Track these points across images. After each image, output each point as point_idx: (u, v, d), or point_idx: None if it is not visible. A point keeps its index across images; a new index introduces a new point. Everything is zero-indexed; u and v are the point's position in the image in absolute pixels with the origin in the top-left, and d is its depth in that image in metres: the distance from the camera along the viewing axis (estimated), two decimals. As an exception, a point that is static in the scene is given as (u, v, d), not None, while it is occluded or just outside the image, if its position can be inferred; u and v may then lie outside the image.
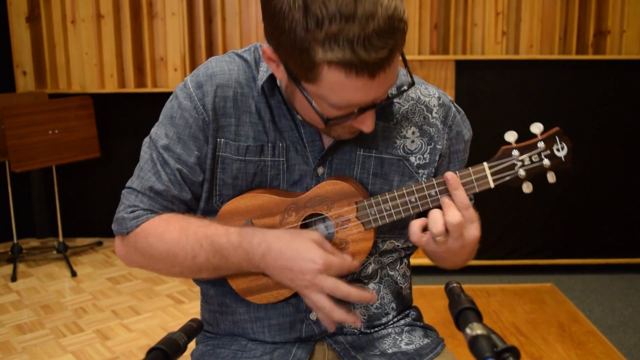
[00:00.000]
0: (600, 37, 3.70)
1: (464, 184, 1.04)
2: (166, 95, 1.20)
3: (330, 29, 0.87)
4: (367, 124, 1.02)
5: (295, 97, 1.06)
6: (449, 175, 1.03)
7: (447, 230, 1.02)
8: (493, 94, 3.48)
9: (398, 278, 1.25)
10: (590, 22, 3.64)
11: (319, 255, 1.01)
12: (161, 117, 1.16)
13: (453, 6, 3.68)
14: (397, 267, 1.25)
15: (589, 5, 3.63)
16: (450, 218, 1.01)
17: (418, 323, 1.28)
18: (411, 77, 1.03)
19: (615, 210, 3.59)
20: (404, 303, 1.28)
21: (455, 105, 1.22)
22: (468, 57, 3.61)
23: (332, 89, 0.94)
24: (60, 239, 3.92)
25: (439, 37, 3.79)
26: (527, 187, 1.05)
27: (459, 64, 3.47)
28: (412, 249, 1.26)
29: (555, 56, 3.62)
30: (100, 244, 4.26)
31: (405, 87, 1.05)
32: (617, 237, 3.61)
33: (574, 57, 3.58)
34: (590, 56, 3.59)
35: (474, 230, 1.04)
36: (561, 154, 1.04)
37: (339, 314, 1.02)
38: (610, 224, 3.60)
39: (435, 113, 1.18)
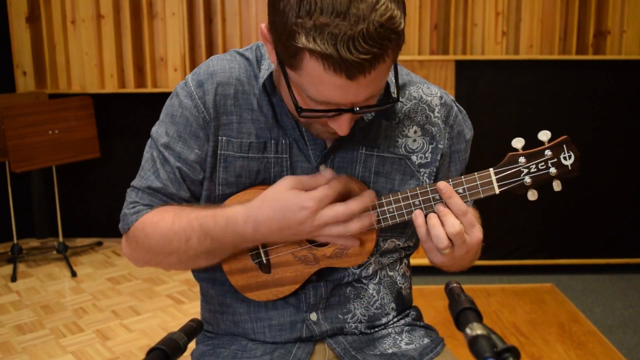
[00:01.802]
0: (600, 37, 3.70)
1: (469, 189, 1.04)
2: (166, 96, 1.20)
3: (319, 20, 0.86)
4: (342, 127, 1.00)
5: (280, 83, 1.06)
6: (442, 184, 1.03)
7: (450, 241, 1.02)
8: (493, 94, 3.48)
9: (398, 278, 1.25)
10: (590, 22, 3.64)
11: (305, 198, 1.00)
12: (162, 115, 1.16)
13: (453, 6, 3.68)
14: (397, 268, 1.25)
15: (589, 5, 3.64)
16: (450, 228, 1.01)
17: (418, 323, 1.28)
18: (398, 91, 1.02)
19: (615, 210, 3.59)
20: (404, 303, 1.28)
21: (457, 104, 1.22)
22: (468, 57, 3.61)
23: (311, 80, 0.93)
24: (60, 239, 3.92)
25: (439, 37, 3.79)
26: (532, 195, 1.05)
27: (459, 64, 3.47)
28: (412, 248, 1.27)
29: (555, 56, 3.62)
30: (100, 244, 4.26)
31: (391, 99, 1.04)
32: (617, 237, 3.61)
33: (574, 57, 3.58)
34: (590, 56, 3.60)
35: (476, 233, 1.03)
36: (568, 162, 1.04)
37: (355, 225, 1.02)
38: (610, 224, 3.60)
39: (437, 112, 1.18)
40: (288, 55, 0.92)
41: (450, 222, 1.01)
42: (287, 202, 1.01)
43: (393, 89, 1.06)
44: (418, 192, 1.06)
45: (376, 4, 0.86)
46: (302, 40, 0.88)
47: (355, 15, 0.86)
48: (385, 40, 0.88)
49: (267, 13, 0.98)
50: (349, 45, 0.86)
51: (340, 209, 1.01)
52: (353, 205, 1.02)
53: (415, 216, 1.04)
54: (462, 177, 1.05)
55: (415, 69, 3.44)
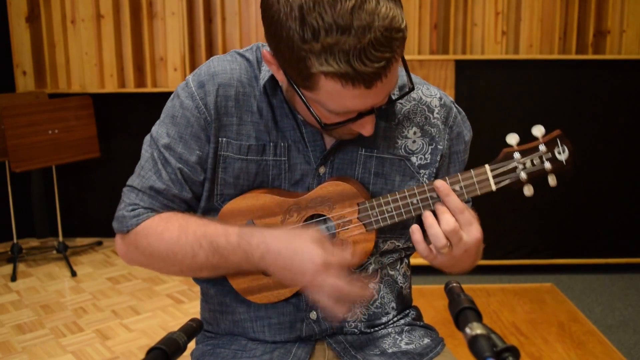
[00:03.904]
0: (600, 37, 3.70)
1: (465, 187, 1.04)
2: (166, 95, 1.20)
3: (326, 41, 0.86)
4: (366, 128, 1.02)
5: (296, 101, 1.06)
6: (439, 182, 1.04)
7: (447, 239, 1.02)
8: (493, 94, 3.48)
9: (398, 278, 1.25)
10: (590, 21, 3.64)
11: (318, 255, 0.99)
12: (162, 115, 1.15)
13: (453, 6, 3.68)
14: (398, 267, 1.25)
15: (589, 5, 3.64)
16: (445, 225, 1.01)
17: (418, 323, 1.28)
18: (411, 81, 1.03)
19: (615, 210, 3.59)
20: (404, 303, 1.28)
21: (456, 106, 1.22)
22: (468, 57, 3.61)
23: (330, 97, 0.94)
24: (60, 238, 3.92)
25: (438, 37, 3.79)
26: (528, 190, 1.05)
27: (459, 64, 3.47)
28: (412, 249, 1.26)
29: (555, 56, 3.62)
30: (100, 244, 4.26)
31: (407, 90, 1.05)
32: (617, 237, 3.61)
33: (573, 57, 3.58)
34: (590, 56, 3.60)
35: (474, 232, 1.03)
36: (562, 157, 1.04)
37: (341, 310, 1.01)
38: (610, 224, 3.60)
39: (437, 113, 1.18)
40: (302, 79, 0.93)
41: (445, 220, 1.01)
42: (302, 248, 1.01)
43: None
44: (416, 191, 1.06)
45: (376, 8, 0.87)
46: (315, 65, 0.89)
47: (360, 26, 0.86)
48: (393, 41, 0.89)
49: (265, 39, 0.98)
50: (362, 57, 0.87)
51: (341, 286, 0.99)
52: (353, 292, 1.00)
53: (424, 216, 1.03)
54: (459, 174, 1.05)
55: (414, 68, 3.44)
